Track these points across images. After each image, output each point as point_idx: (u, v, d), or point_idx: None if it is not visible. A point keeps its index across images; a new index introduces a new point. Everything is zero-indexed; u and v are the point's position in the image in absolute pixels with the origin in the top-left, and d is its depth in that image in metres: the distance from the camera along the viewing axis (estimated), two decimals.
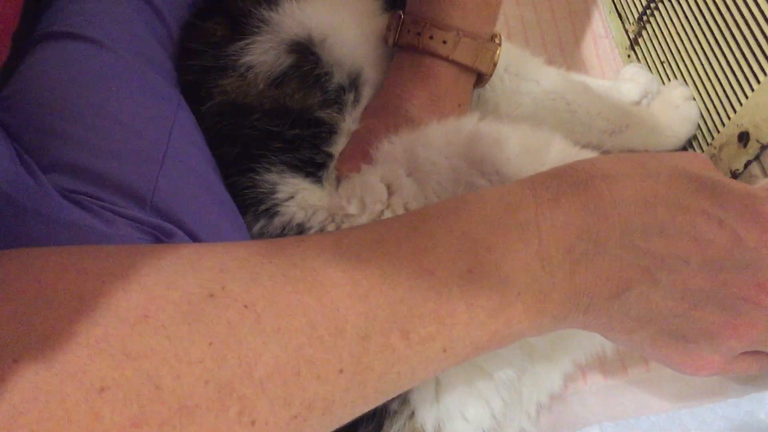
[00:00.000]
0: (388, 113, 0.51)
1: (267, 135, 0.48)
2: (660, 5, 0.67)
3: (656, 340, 0.36)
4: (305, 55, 0.50)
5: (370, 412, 0.40)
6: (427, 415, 0.45)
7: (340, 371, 0.30)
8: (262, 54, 0.49)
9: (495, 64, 0.54)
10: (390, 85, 0.53)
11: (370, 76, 0.53)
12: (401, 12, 0.53)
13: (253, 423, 0.28)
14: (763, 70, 0.54)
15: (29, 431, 0.24)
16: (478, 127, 0.47)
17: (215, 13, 0.52)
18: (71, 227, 0.37)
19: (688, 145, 0.64)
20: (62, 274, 0.27)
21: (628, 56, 0.73)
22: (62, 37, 0.47)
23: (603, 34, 0.77)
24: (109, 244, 0.37)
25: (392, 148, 0.48)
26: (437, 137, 0.47)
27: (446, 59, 0.51)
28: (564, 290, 0.34)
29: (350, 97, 0.51)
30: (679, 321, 0.35)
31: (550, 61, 0.75)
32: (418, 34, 0.51)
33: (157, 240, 0.41)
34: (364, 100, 0.52)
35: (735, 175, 0.58)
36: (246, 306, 0.29)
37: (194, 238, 0.43)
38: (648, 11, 0.69)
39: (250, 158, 0.48)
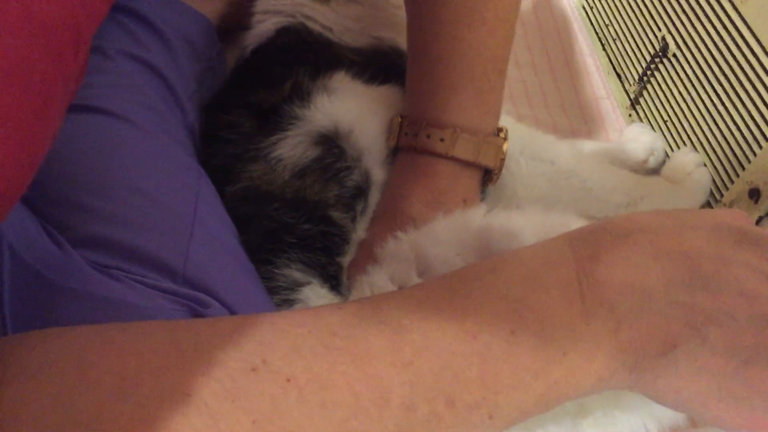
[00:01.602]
0: (390, 215, 0.51)
1: (283, 227, 0.48)
2: (660, 66, 0.68)
3: (706, 398, 0.35)
4: (330, 147, 0.51)
5: None
6: None
7: None
8: (293, 148, 0.50)
9: (502, 159, 0.52)
10: (391, 187, 0.52)
11: (378, 177, 0.53)
12: (399, 115, 0.53)
13: None
14: (765, 133, 0.54)
15: None
16: (488, 221, 0.46)
17: (238, 107, 0.53)
18: (103, 301, 0.37)
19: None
20: (103, 354, 0.27)
21: (630, 116, 0.74)
22: (78, 110, 0.47)
23: (604, 95, 0.78)
24: (147, 320, 0.36)
25: (398, 245, 0.47)
26: (445, 233, 0.46)
27: (445, 156, 0.50)
28: (609, 349, 0.33)
29: (361, 205, 0.51)
30: (729, 378, 0.34)
31: (554, 124, 0.76)
32: (416, 134, 0.50)
33: (193, 311, 0.40)
34: (371, 208, 0.52)
35: None
36: (288, 380, 0.28)
37: (228, 307, 0.42)
38: (649, 72, 0.70)
39: (268, 251, 0.48)
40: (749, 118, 0.57)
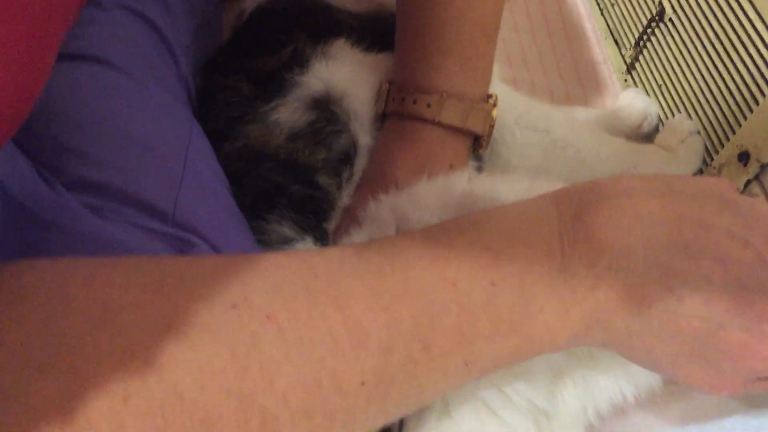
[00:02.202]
0: (374, 180, 0.51)
1: (275, 187, 0.49)
2: (656, 30, 0.69)
3: (677, 358, 0.36)
4: (323, 111, 0.51)
5: None
6: None
7: (362, 383, 0.30)
8: (291, 114, 0.51)
9: (491, 125, 0.52)
10: (377, 152, 0.53)
11: (364, 143, 0.53)
12: (387, 81, 0.53)
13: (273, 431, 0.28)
14: (762, 91, 0.55)
15: None
16: (471, 186, 0.46)
17: (236, 72, 0.54)
18: (93, 239, 0.37)
19: None
20: (89, 285, 0.28)
21: (625, 80, 0.75)
22: (72, 58, 0.48)
23: (601, 60, 0.78)
24: (133, 255, 0.37)
25: (379, 207, 0.47)
26: (428, 197, 0.46)
27: (432, 122, 0.50)
28: (586, 306, 0.34)
29: (347, 172, 0.52)
30: (700, 340, 0.35)
31: (550, 88, 0.77)
32: (402, 100, 0.51)
33: (180, 251, 0.41)
34: (357, 176, 0.53)
35: None
36: (268, 317, 0.29)
37: (215, 250, 0.43)
38: (645, 36, 0.70)
39: (260, 208, 0.49)
40: (741, 83, 0.58)
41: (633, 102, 0.68)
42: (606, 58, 0.78)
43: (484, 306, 0.33)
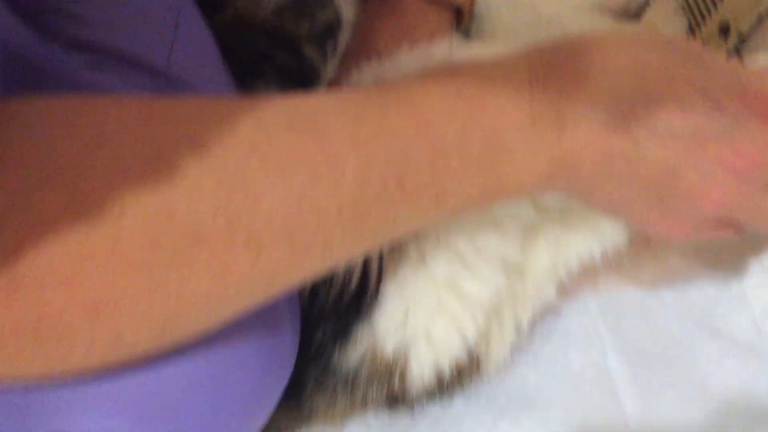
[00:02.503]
0: (358, 52, 0.53)
1: (262, 56, 0.51)
2: None
3: (635, 202, 0.40)
4: None
5: (339, 328, 0.46)
6: (388, 339, 0.48)
7: (339, 212, 0.34)
8: None
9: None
10: (360, 25, 0.54)
11: (348, 17, 0.55)
12: None
13: (257, 254, 0.33)
14: None
15: (48, 253, 0.29)
16: (451, 54, 0.48)
17: None
18: (90, 86, 0.40)
19: None
20: (87, 113, 0.31)
21: None
22: None
23: None
24: (129, 95, 0.40)
25: (361, 76, 0.49)
26: (409, 65, 0.48)
27: None
28: (552, 151, 0.37)
29: (331, 44, 0.53)
30: (656, 184, 0.38)
31: None
32: None
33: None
34: (341, 49, 0.54)
35: None
36: (252, 148, 0.32)
37: None
38: None
39: (249, 75, 0.51)
40: None
41: None
42: None
43: (455, 146, 0.36)
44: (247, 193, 0.32)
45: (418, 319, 0.47)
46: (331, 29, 0.53)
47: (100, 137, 0.31)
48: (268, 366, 0.40)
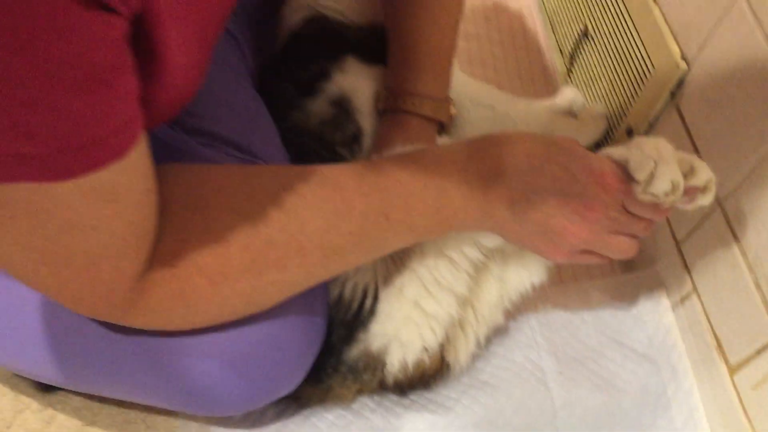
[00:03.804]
0: (376, 151, 0.71)
1: (312, 152, 0.73)
2: (584, 47, 0.95)
3: (531, 235, 0.58)
4: (340, 107, 0.74)
5: (347, 332, 0.65)
6: (376, 341, 0.65)
7: (351, 233, 0.53)
8: (320, 108, 0.75)
9: (451, 116, 0.74)
10: (379, 135, 0.73)
11: (366, 128, 0.74)
12: (383, 88, 0.74)
13: (303, 258, 0.52)
14: (639, 91, 0.81)
15: (193, 253, 0.48)
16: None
17: (284, 80, 0.78)
18: (201, 159, 0.60)
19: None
20: (209, 173, 0.52)
21: (566, 81, 1.01)
22: None
23: (550, 66, 1.05)
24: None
25: None
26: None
27: (416, 114, 0.71)
28: (480, 202, 0.55)
29: (357, 147, 0.72)
30: (542, 225, 0.56)
31: (512, 87, 1.03)
32: (395, 100, 0.72)
33: None
34: (365, 150, 0.72)
35: None
36: (301, 195, 0.51)
37: None
38: (576, 50, 0.97)
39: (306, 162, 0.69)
40: (630, 86, 0.84)
41: (564, 94, 0.94)
42: (554, 64, 1.05)
43: (419, 197, 0.54)
44: (298, 221, 0.51)
45: (394, 328, 0.65)
46: (356, 137, 0.75)
47: (219, 185, 0.51)
48: (308, 338, 0.61)
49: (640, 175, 0.54)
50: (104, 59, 0.35)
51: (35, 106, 0.34)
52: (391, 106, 0.73)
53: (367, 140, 0.74)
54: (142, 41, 0.39)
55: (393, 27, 0.75)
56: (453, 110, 0.75)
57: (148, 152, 0.45)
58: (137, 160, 0.42)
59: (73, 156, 0.37)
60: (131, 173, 0.42)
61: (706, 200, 0.58)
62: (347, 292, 0.66)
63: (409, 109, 0.72)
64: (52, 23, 0.32)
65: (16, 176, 0.36)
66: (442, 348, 0.70)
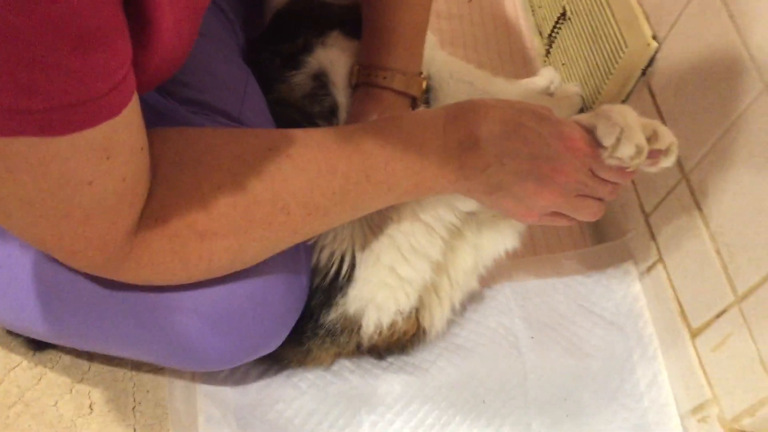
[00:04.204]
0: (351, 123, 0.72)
1: (295, 123, 0.75)
2: (562, 27, 0.98)
3: (503, 198, 0.60)
4: (319, 81, 0.76)
5: (325, 297, 0.68)
6: (353, 304, 0.69)
7: (333, 192, 0.55)
8: (302, 79, 0.77)
9: (423, 91, 0.75)
10: (353, 110, 0.74)
11: (342, 102, 0.75)
12: (357, 64, 0.75)
13: (287, 215, 0.54)
14: (610, 72, 0.85)
15: (185, 210, 0.51)
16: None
17: (270, 52, 0.81)
18: (191, 125, 0.61)
19: None
20: (199, 135, 0.54)
21: (544, 61, 1.04)
22: None
23: (530, 47, 1.08)
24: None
25: None
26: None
27: (388, 88, 0.72)
28: (456, 166, 0.58)
29: (333, 119, 0.76)
30: (514, 188, 0.59)
31: (492, 66, 1.06)
32: (368, 75, 0.73)
33: None
34: (341, 122, 0.74)
35: None
36: (288, 155, 0.54)
37: None
38: (554, 32, 1.00)
39: None
40: (605, 61, 0.87)
41: (544, 74, 0.97)
42: (534, 45, 1.08)
43: (399, 158, 0.57)
44: (284, 181, 0.53)
45: (370, 292, 0.69)
46: (333, 111, 0.77)
47: (208, 146, 0.53)
48: (292, 295, 0.64)
49: (608, 141, 0.57)
50: (102, 20, 0.38)
51: (36, 63, 0.36)
52: (364, 81, 0.75)
53: (342, 113, 0.76)
54: (134, 5, 0.41)
55: (366, 2, 0.77)
56: (425, 85, 0.77)
57: (140, 113, 0.47)
58: (131, 119, 0.45)
59: (71, 112, 0.39)
60: (125, 131, 0.45)
61: (668, 162, 0.62)
62: (323, 259, 0.69)
63: (381, 84, 0.73)
64: None
65: (16, 130, 0.38)
66: (418, 313, 0.73)
